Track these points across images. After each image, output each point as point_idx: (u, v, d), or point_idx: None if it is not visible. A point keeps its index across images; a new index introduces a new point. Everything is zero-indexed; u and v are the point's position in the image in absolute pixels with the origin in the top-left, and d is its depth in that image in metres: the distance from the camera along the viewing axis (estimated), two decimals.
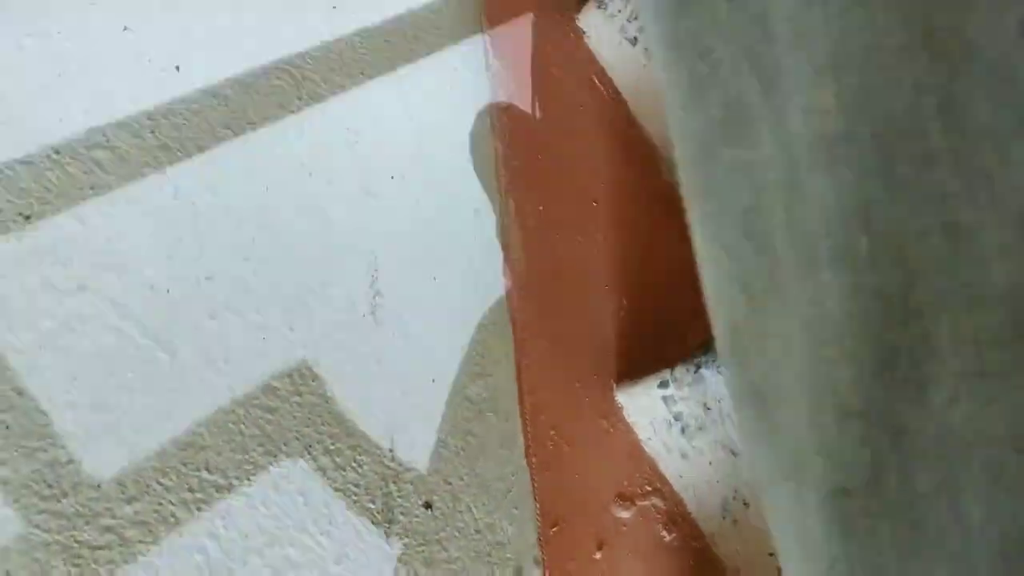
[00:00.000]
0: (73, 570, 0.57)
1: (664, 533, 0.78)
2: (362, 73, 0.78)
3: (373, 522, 0.67)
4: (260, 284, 0.68)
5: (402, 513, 0.68)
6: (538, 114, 0.86)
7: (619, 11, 0.88)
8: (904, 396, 0.34)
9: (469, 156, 0.81)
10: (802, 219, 0.35)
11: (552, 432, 0.76)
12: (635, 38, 0.88)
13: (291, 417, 0.66)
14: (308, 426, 0.66)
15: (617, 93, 0.92)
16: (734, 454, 0.74)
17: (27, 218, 0.61)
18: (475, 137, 0.82)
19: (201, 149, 0.69)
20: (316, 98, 0.74)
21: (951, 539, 0.34)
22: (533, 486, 0.74)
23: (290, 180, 0.71)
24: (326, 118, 0.74)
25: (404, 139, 0.77)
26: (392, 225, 0.75)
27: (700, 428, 0.75)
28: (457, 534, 0.70)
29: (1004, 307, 0.31)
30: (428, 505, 0.69)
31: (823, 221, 0.34)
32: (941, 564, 0.34)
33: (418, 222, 0.76)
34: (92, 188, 0.64)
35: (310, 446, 0.66)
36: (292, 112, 0.73)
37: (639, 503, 0.78)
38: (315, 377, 0.68)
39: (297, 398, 0.67)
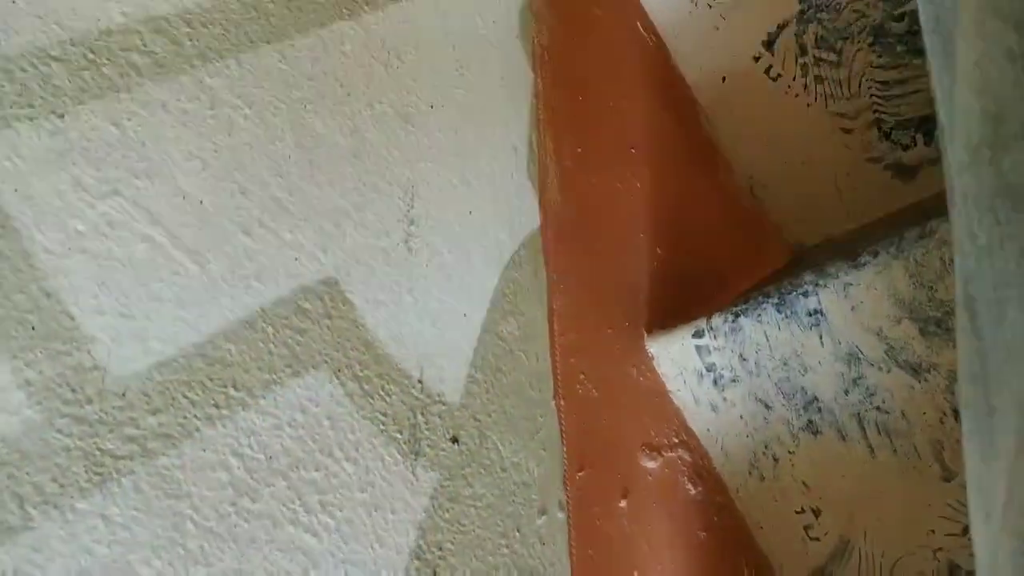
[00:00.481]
0: (94, 478, 0.55)
1: (689, 486, 0.76)
2: (409, 0, 0.76)
3: (400, 452, 0.65)
4: (294, 203, 0.66)
5: (429, 446, 0.67)
6: (580, 55, 0.84)
7: None
8: None
9: (508, 91, 0.79)
10: None
11: (582, 376, 0.75)
12: None
13: (321, 340, 0.64)
14: (337, 350, 0.65)
15: (660, 41, 0.90)
16: (767, 407, 0.72)
17: (60, 116, 0.59)
18: (515, 72, 0.80)
19: (240, 62, 0.67)
20: (356, 16, 0.72)
21: None
22: (561, 429, 0.73)
23: (328, 99, 0.69)
24: (367, 37, 0.72)
25: (444, 67, 0.75)
26: (429, 155, 0.73)
27: (734, 380, 0.73)
28: (483, 471, 0.69)
29: None
30: (455, 439, 0.68)
31: None
32: None
33: (455, 155, 0.74)
34: (128, 91, 0.62)
35: (339, 370, 0.64)
36: (331, 30, 0.71)
37: (665, 454, 0.76)
38: (346, 301, 0.66)
39: (327, 321, 0.65)
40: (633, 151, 0.84)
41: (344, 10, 0.72)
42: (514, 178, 0.77)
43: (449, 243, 0.71)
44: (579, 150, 0.81)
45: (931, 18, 0.41)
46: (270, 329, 0.63)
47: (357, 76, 0.71)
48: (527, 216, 0.77)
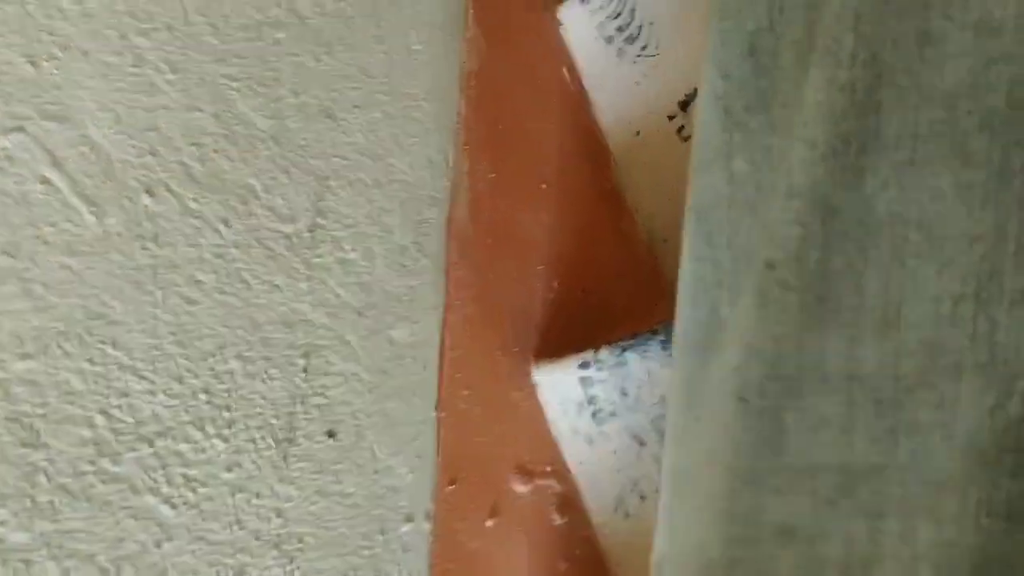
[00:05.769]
0: None
1: (556, 516, 0.77)
2: (346, 1, 0.77)
3: (273, 438, 0.64)
4: (204, 173, 0.65)
5: (304, 436, 0.66)
6: (505, 86, 0.86)
7: (600, 7, 0.90)
8: (843, 181, 0.40)
9: (432, 105, 0.80)
10: (814, 25, 0.40)
11: (466, 392, 0.75)
12: (611, 37, 0.90)
13: (209, 314, 0.63)
14: (225, 326, 0.64)
15: (583, 87, 0.93)
16: (641, 443, 0.74)
17: None
18: (441, 89, 0.82)
19: (171, 28, 0.66)
20: (293, 5, 0.73)
21: (844, 312, 0.40)
22: (438, 440, 0.73)
23: (255, 81, 0.69)
24: (303, 28, 0.73)
25: (374, 71, 0.76)
26: (347, 152, 0.73)
27: (613, 414, 0.75)
28: (355, 469, 0.68)
29: (943, 105, 0.37)
30: (332, 434, 0.67)
31: (827, 24, 0.39)
32: (832, 333, 0.40)
33: (372, 156, 0.75)
34: (51, 33, 0.61)
35: (223, 347, 0.63)
36: (267, 15, 0.71)
37: (537, 481, 0.77)
38: (242, 280, 0.65)
39: (219, 295, 0.64)
40: (544, 186, 0.87)
41: (283, 1, 0.73)
42: (426, 190, 0.78)
43: (354, 240, 0.72)
44: (492, 175, 0.82)
45: None
46: (159, 293, 0.61)
47: (287, 64, 0.72)
48: (434, 228, 0.77)
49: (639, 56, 0.89)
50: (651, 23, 0.88)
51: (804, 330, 0.41)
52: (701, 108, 0.49)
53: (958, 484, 0.37)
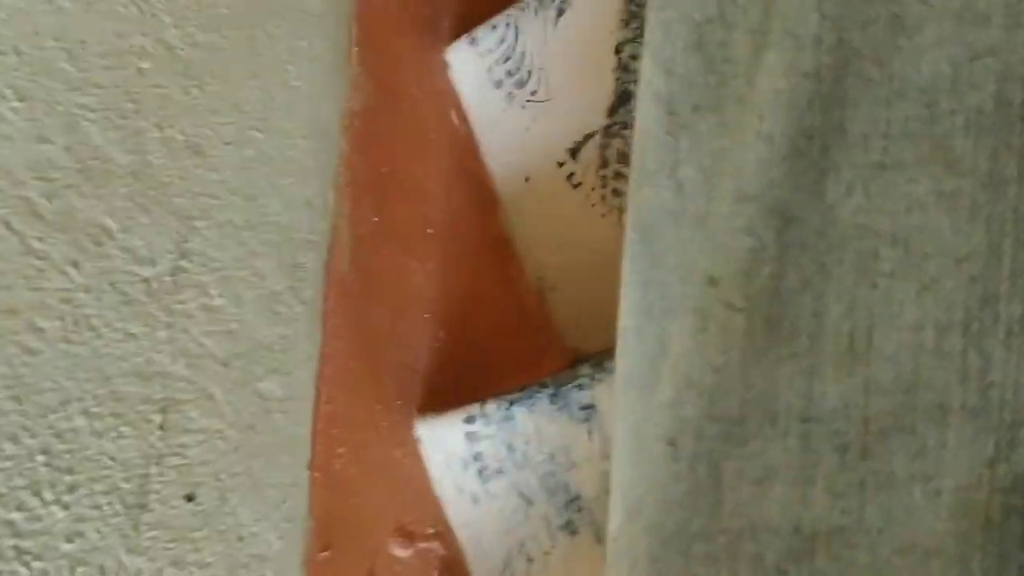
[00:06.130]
0: None
1: None
2: (218, 33, 0.72)
3: (123, 504, 0.58)
4: (51, 210, 0.59)
5: (158, 501, 0.60)
6: (390, 128, 0.83)
7: (490, 51, 0.87)
8: (802, 183, 0.34)
9: (312, 144, 0.76)
10: (770, 5, 0.35)
11: (342, 450, 0.70)
12: (500, 81, 0.88)
13: (52, 364, 0.57)
14: (70, 379, 0.57)
15: (471, 131, 0.90)
16: (529, 502, 0.70)
17: None
18: (321, 128, 0.77)
19: (18, 52, 0.61)
20: (160, 35, 0.68)
21: (800, 339, 0.33)
22: (310, 502, 0.67)
23: (114, 112, 0.64)
24: (170, 59, 0.68)
25: (248, 107, 0.72)
26: (215, 191, 0.68)
27: (499, 471, 0.71)
28: (216, 537, 0.62)
29: (920, 102, 0.32)
30: (190, 498, 0.61)
31: (787, 1, 0.34)
32: (784, 364, 0.34)
33: (244, 197, 0.70)
34: None
35: (67, 401, 0.57)
36: (130, 42, 0.66)
37: (419, 544, 0.72)
38: (91, 327, 0.59)
39: (63, 344, 0.58)
40: (430, 231, 0.83)
41: (148, 26, 0.68)
42: (302, 233, 0.73)
43: (221, 286, 0.66)
44: (375, 219, 0.78)
45: None
46: None
47: (151, 96, 0.67)
48: (310, 273, 0.73)
49: (529, 101, 0.87)
50: (542, 68, 0.86)
51: (750, 360, 0.34)
52: (640, 111, 0.42)
53: (952, 553, 0.30)
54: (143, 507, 0.59)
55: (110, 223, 0.62)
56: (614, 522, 0.40)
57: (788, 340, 0.34)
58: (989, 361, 0.30)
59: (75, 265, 0.59)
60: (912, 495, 0.31)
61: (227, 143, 0.70)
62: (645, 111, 0.41)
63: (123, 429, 0.59)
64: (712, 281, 0.36)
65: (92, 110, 0.64)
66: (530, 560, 0.71)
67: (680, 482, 0.36)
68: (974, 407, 0.30)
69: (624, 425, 0.40)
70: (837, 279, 0.33)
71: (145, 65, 0.67)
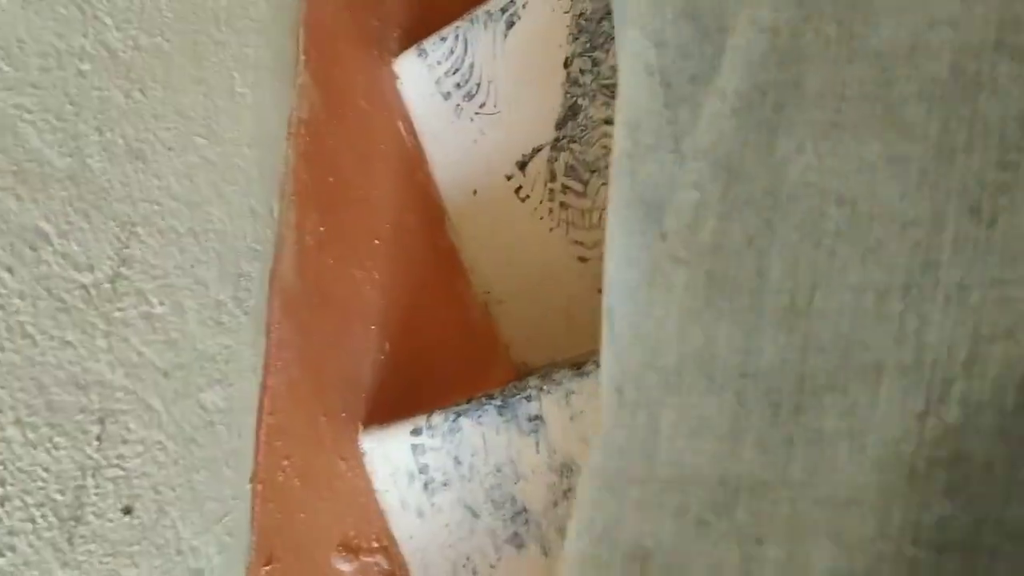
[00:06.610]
0: None
1: None
2: (162, 36, 0.71)
3: (56, 516, 0.56)
4: None
5: (94, 513, 0.58)
6: (337, 138, 0.82)
7: (439, 63, 0.87)
8: (753, 140, 0.34)
9: (257, 153, 0.75)
10: None
11: (285, 462, 0.69)
12: (449, 93, 0.88)
13: None
14: (3, 388, 0.55)
15: (419, 144, 0.90)
16: (475, 515, 0.69)
17: None
18: (267, 136, 0.76)
19: None
20: (102, 37, 0.67)
21: (741, 296, 0.33)
22: (253, 516, 0.66)
23: (52, 114, 0.62)
24: (112, 62, 0.66)
25: (192, 112, 0.71)
26: (157, 197, 0.67)
27: (445, 484, 0.70)
28: (154, 551, 0.60)
29: (877, 65, 0.32)
30: (127, 511, 0.59)
31: None
32: (723, 320, 0.33)
33: (186, 204, 0.69)
34: None
35: (0, 412, 0.55)
36: (69, 43, 0.65)
37: (363, 559, 0.71)
38: (25, 335, 0.57)
39: None
40: (376, 243, 0.82)
41: (90, 28, 0.66)
42: (247, 242, 0.72)
43: (162, 294, 0.65)
44: (322, 229, 0.77)
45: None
46: None
47: (91, 99, 0.65)
48: (255, 283, 0.72)
49: (477, 113, 0.87)
50: (491, 80, 0.86)
51: (688, 313, 0.34)
52: (630, 87, 0.41)
53: (873, 503, 0.30)
54: (78, 520, 0.57)
55: (47, 227, 0.60)
56: (584, 477, 0.40)
57: (729, 295, 0.34)
58: (926, 324, 0.30)
59: (9, 270, 0.57)
60: (837, 449, 0.31)
61: (170, 149, 0.69)
62: (635, 86, 0.40)
63: (58, 440, 0.57)
64: (663, 235, 0.36)
65: (29, 111, 0.62)
66: (475, 573, 0.70)
67: (622, 428, 0.36)
68: (907, 366, 0.31)
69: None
70: (782, 237, 0.33)
71: (86, 67, 0.66)
